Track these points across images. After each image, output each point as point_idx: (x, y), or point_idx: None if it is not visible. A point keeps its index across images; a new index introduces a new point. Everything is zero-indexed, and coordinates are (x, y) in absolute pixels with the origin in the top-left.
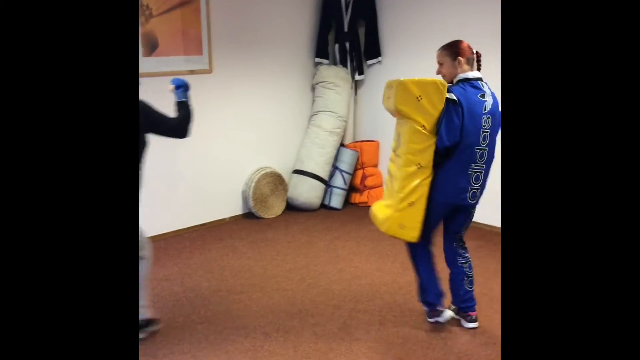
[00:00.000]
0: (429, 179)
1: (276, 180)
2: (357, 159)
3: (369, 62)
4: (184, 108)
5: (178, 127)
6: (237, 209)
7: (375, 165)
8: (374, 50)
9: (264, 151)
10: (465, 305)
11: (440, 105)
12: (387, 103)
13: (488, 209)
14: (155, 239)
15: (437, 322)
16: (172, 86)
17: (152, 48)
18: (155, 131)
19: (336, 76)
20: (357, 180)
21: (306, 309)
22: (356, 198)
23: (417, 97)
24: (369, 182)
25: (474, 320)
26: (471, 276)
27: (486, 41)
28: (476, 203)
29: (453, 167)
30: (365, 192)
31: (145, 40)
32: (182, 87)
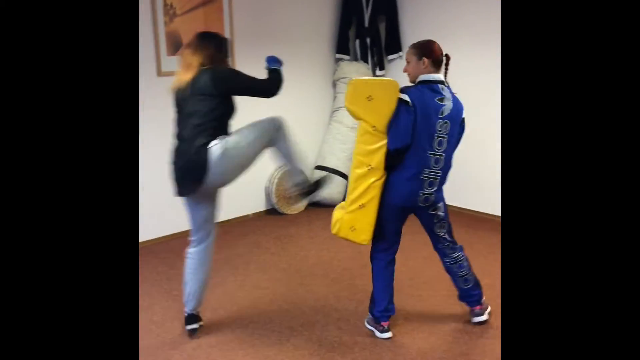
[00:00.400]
0: (381, 181)
1: None
2: None
3: (390, 57)
4: (274, 72)
5: (267, 85)
6: (260, 206)
7: None
8: (394, 45)
9: None
10: (467, 301)
11: (392, 106)
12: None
13: None
14: (181, 235)
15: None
16: (266, 64)
17: (176, 47)
18: (242, 91)
19: (357, 72)
20: None
21: (330, 304)
22: None
23: (368, 97)
24: None
25: (479, 314)
26: (464, 275)
27: None
28: (431, 206)
29: (404, 170)
30: None
31: (170, 39)
32: (275, 61)
